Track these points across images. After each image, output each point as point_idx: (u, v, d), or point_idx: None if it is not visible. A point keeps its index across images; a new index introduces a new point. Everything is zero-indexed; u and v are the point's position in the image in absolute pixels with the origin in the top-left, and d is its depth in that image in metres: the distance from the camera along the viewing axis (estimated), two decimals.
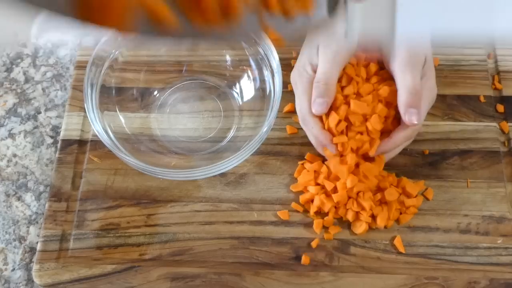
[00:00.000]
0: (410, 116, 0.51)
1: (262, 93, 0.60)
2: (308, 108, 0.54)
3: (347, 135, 0.54)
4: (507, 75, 0.62)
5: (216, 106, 0.62)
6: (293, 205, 0.55)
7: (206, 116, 0.61)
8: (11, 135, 0.63)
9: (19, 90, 0.65)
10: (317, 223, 0.54)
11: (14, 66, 0.67)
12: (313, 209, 0.54)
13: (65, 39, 0.68)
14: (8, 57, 0.68)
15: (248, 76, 0.62)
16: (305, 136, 0.59)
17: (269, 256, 0.54)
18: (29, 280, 0.55)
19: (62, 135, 0.60)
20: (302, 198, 0.55)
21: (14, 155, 0.61)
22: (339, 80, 0.55)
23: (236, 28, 0.30)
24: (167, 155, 0.59)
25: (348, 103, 0.54)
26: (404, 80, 0.51)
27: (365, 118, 0.54)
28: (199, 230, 0.55)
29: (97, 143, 0.59)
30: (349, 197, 0.54)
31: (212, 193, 0.57)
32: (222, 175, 0.57)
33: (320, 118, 0.55)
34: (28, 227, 0.58)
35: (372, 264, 0.53)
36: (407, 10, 0.48)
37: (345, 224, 0.55)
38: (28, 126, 0.63)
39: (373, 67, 0.57)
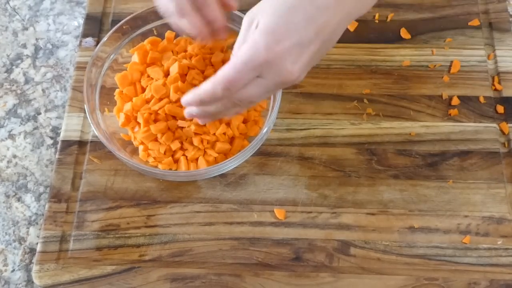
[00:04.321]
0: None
1: None
2: None
3: None
4: (507, 76, 0.62)
5: None
6: None
7: None
8: (11, 136, 0.63)
9: (19, 91, 0.65)
10: None
11: (14, 67, 0.67)
12: None
13: (65, 40, 0.68)
14: (8, 58, 0.68)
15: None
16: (305, 137, 0.59)
17: (269, 257, 0.54)
18: (29, 281, 0.55)
19: (62, 136, 0.60)
20: None
21: (14, 156, 0.61)
22: None
23: None
24: None
25: None
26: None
27: None
28: (199, 231, 0.55)
29: (97, 144, 0.59)
30: None
31: (212, 194, 0.57)
32: (222, 176, 0.57)
33: None
34: (28, 228, 0.58)
35: (372, 265, 0.53)
36: None
37: (345, 224, 0.55)
38: (28, 127, 0.63)
39: None
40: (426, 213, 0.55)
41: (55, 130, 0.63)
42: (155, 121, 0.55)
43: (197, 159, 0.55)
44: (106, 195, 0.57)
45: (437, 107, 0.61)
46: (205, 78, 0.56)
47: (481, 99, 0.61)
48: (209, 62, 0.57)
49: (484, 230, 0.54)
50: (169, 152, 0.55)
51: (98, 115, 0.57)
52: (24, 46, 0.69)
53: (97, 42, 0.64)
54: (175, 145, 0.55)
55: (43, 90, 0.65)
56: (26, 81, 0.66)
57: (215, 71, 0.55)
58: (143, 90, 0.57)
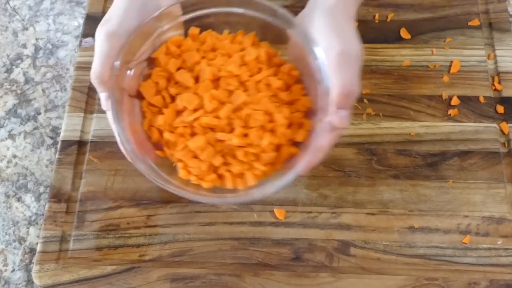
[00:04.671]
0: (339, 119, 0.44)
1: None
2: (98, 72, 0.45)
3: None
4: (507, 76, 0.62)
5: None
6: None
7: None
8: (11, 136, 0.63)
9: (19, 91, 0.65)
10: None
11: (14, 67, 0.67)
12: None
13: (65, 40, 0.68)
14: (8, 58, 0.68)
15: None
16: None
17: (269, 257, 0.54)
18: (29, 281, 0.55)
19: (62, 136, 0.60)
20: None
21: (14, 156, 0.61)
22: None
23: None
24: None
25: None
26: (339, 78, 0.44)
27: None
28: (199, 231, 0.55)
29: (97, 144, 0.59)
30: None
31: None
32: None
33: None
34: (28, 228, 0.58)
35: (372, 265, 0.53)
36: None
37: (345, 224, 0.55)
38: (28, 127, 0.63)
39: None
40: (426, 213, 0.55)
41: (55, 130, 0.63)
42: (192, 134, 0.47)
43: (243, 174, 0.48)
44: (106, 195, 0.57)
45: (437, 107, 0.61)
46: (241, 82, 0.48)
47: (481, 99, 0.61)
48: (242, 61, 0.49)
49: (484, 230, 0.54)
50: (212, 168, 0.48)
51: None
52: (24, 46, 0.69)
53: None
54: (218, 161, 0.47)
55: (43, 90, 0.65)
56: (26, 81, 0.66)
57: (250, 71, 0.49)
58: (173, 98, 0.49)
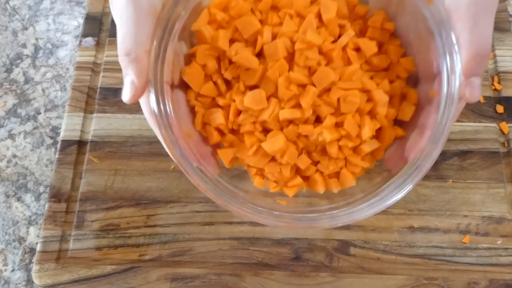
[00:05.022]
0: (472, 90, 0.33)
1: None
2: (129, 47, 0.33)
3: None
4: (507, 75, 0.62)
5: None
6: None
7: None
8: (11, 136, 0.63)
9: (19, 91, 0.65)
10: None
11: (14, 66, 0.67)
12: None
13: (65, 40, 0.68)
14: (8, 57, 0.68)
15: None
16: None
17: (269, 256, 0.54)
18: (29, 280, 0.55)
19: (62, 135, 0.60)
20: None
21: (14, 156, 0.61)
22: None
23: None
24: None
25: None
26: (474, 32, 0.32)
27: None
28: (198, 230, 0.55)
29: (97, 144, 0.59)
30: None
31: None
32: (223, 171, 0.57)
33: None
34: (28, 227, 0.58)
35: (372, 265, 0.53)
36: None
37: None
38: (28, 127, 0.63)
39: None
40: (426, 213, 0.55)
41: (55, 130, 0.63)
42: (264, 130, 0.37)
43: (337, 173, 0.38)
44: (106, 195, 0.57)
45: None
46: (324, 53, 0.35)
47: (481, 99, 0.61)
48: (320, 23, 0.36)
49: (483, 229, 0.54)
50: (294, 169, 0.38)
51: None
52: (24, 46, 0.69)
53: (97, 42, 0.64)
54: (304, 163, 0.37)
55: (43, 90, 0.65)
56: (26, 81, 0.66)
57: (331, 34, 0.36)
58: (229, 84, 0.37)
